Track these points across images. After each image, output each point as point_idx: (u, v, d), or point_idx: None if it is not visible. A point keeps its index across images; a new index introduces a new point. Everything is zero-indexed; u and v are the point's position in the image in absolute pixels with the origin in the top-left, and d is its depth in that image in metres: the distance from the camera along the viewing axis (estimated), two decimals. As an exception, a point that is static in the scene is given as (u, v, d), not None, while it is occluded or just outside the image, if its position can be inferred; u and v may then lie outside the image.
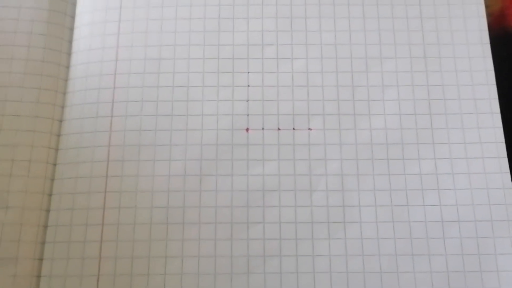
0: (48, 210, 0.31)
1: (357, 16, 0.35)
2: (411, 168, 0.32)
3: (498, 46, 0.35)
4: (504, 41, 0.35)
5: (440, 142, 0.33)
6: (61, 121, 0.33)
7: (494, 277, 0.30)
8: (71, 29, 0.35)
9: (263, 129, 0.33)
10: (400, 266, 0.30)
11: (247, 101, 0.33)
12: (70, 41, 0.35)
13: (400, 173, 0.32)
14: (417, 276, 0.30)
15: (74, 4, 0.36)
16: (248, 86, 0.34)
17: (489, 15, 0.36)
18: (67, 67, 0.34)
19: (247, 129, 0.33)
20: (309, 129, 0.33)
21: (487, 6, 0.36)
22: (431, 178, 0.32)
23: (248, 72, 0.34)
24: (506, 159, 0.32)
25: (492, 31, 0.35)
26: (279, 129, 0.33)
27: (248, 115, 0.33)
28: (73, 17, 0.35)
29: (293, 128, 0.33)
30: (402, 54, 0.34)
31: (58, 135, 0.33)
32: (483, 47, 0.35)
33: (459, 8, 0.36)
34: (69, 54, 0.35)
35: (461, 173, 0.32)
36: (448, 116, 0.33)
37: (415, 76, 0.34)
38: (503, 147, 0.33)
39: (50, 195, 0.31)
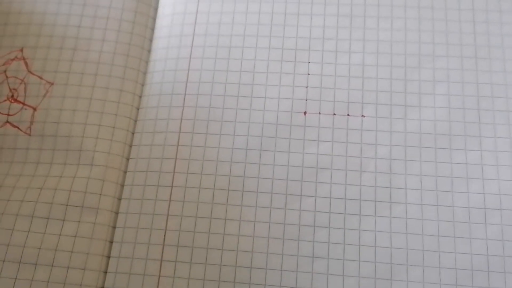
0: (125, 171, 0.35)
1: (413, 17, 0.38)
2: (458, 157, 0.34)
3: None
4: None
5: (487, 136, 0.35)
6: (141, 96, 0.38)
7: (534, 263, 0.32)
8: (154, 19, 0.40)
9: (319, 113, 0.36)
10: (442, 246, 0.32)
11: (306, 87, 0.37)
12: (152, 29, 0.40)
13: (446, 161, 0.34)
14: (457, 257, 0.32)
15: (158, -3, 0.41)
16: (308, 74, 0.37)
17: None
18: (149, 50, 0.39)
19: (305, 113, 0.36)
20: (362, 116, 0.36)
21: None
22: (476, 168, 0.34)
23: (309, 62, 0.37)
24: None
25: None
26: (334, 114, 0.36)
27: (306, 100, 0.36)
28: (156, 8, 0.40)
29: (348, 114, 0.36)
30: (454, 53, 0.37)
31: (138, 108, 0.37)
32: (533, 51, 0.37)
33: (510, 14, 0.38)
34: (151, 39, 0.39)
35: (505, 165, 0.34)
36: (495, 113, 0.35)
37: (465, 74, 0.36)
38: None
39: (128, 158, 0.36)
